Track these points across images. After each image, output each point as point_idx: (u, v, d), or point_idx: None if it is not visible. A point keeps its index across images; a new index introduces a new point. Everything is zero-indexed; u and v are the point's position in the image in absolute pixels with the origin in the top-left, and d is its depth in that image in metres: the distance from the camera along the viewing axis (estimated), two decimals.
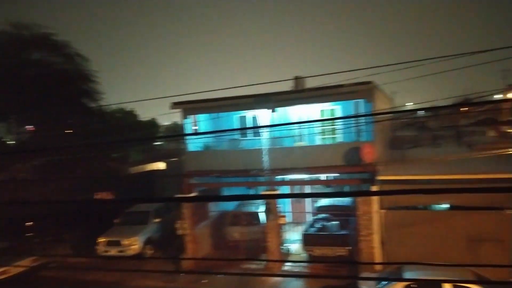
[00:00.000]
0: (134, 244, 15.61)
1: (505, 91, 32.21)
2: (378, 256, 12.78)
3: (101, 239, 15.84)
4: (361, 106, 14.58)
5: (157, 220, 17.17)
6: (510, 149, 12.88)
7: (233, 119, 17.59)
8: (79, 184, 19.15)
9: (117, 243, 15.63)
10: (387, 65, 7.36)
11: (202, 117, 16.13)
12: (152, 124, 33.03)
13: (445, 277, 8.87)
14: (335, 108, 16.20)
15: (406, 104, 49.47)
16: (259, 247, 14.75)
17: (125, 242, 15.57)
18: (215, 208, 17.04)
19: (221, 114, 16.25)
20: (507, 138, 17.78)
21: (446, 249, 11.83)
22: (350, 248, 13.46)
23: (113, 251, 15.61)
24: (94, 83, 21.07)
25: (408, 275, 9.42)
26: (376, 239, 12.78)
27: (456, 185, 11.25)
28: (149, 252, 16.22)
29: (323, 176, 14.72)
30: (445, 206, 12.43)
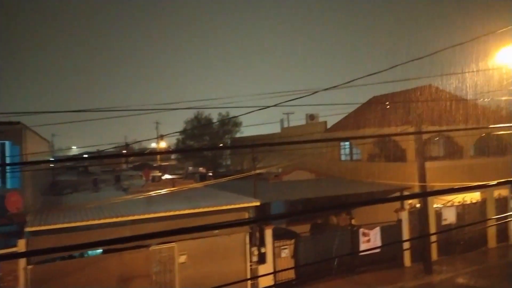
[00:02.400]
0: None
1: (158, 140, 37.68)
2: None
3: None
4: (7, 148, 12.76)
5: None
6: (156, 191, 14.85)
7: None
8: None
9: None
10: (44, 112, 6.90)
11: None
12: None
13: None
14: None
15: (72, 147, 48.42)
16: None
17: None
18: None
19: None
20: (155, 181, 20.53)
21: None
22: None
23: None
24: None
25: None
26: None
27: (111, 229, 11.69)
28: None
29: None
30: (99, 251, 12.57)
